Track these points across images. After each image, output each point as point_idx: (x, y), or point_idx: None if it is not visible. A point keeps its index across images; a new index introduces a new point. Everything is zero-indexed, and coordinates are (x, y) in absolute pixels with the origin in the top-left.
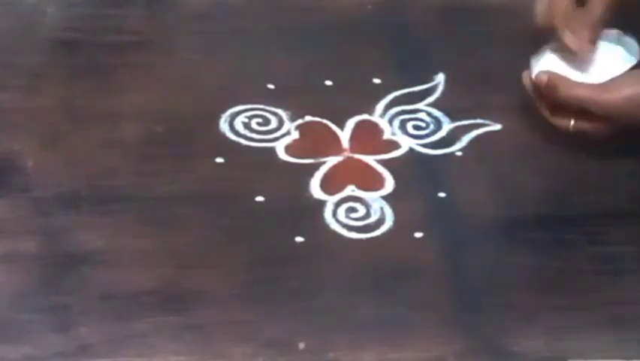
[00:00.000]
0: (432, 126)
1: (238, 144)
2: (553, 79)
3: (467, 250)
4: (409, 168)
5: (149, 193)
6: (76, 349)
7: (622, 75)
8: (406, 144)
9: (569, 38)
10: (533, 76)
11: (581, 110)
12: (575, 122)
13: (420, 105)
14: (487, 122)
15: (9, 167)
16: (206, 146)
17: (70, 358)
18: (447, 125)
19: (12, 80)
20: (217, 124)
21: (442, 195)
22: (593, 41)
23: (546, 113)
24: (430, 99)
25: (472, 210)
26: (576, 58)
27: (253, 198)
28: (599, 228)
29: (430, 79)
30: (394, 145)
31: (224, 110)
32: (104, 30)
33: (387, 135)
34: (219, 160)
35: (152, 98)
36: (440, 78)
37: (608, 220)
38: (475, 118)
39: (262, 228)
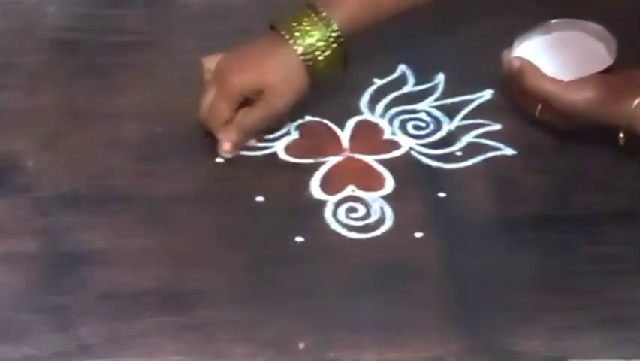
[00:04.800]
0: (432, 126)
1: None
2: (524, 67)
3: (467, 250)
4: (409, 168)
5: (149, 193)
6: (76, 349)
7: (590, 76)
8: (406, 143)
9: (224, 146)
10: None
11: (546, 101)
12: (541, 110)
13: (420, 105)
14: (487, 122)
15: (9, 167)
16: (206, 146)
17: (70, 358)
18: (447, 125)
19: (12, 80)
20: None
21: (442, 195)
22: (239, 144)
23: (516, 95)
24: (430, 99)
25: (472, 210)
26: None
27: (253, 198)
28: (599, 228)
29: (430, 79)
30: (394, 145)
31: None
32: (104, 30)
33: (387, 135)
34: (219, 160)
35: (152, 98)
36: (440, 78)
37: (608, 220)
38: (475, 118)
39: (262, 228)
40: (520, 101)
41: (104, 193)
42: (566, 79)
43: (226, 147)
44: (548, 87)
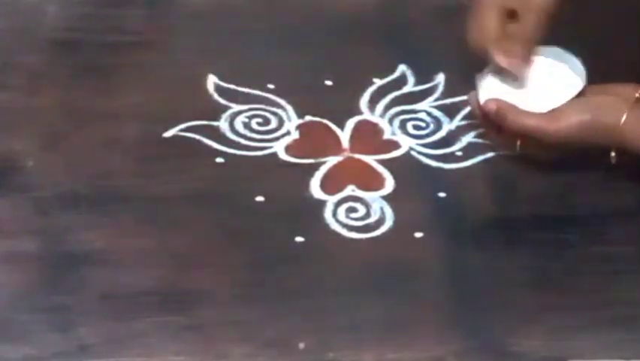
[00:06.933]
0: (432, 126)
1: (238, 143)
2: (502, 108)
3: (467, 250)
4: (409, 168)
5: (149, 193)
6: (76, 349)
7: (568, 102)
8: (406, 143)
9: (499, 58)
10: (480, 100)
11: (527, 136)
12: (521, 144)
13: (420, 105)
14: None
15: (9, 167)
16: (206, 146)
17: (70, 358)
18: (447, 125)
19: (12, 80)
20: (217, 124)
21: (442, 195)
22: (527, 57)
23: (492, 134)
24: (430, 99)
25: (472, 210)
26: (511, 76)
27: (253, 198)
28: (599, 228)
29: (430, 79)
30: (394, 145)
31: (224, 110)
32: (104, 30)
33: (387, 135)
34: (219, 160)
35: (152, 98)
36: (440, 78)
37: (608, 220)
38: (475, 118)
39: (262, 228)
40: (497, 138)
41: (104, 193)
42: (541, 108)
43: (500, 57)
44: (532, 123)
